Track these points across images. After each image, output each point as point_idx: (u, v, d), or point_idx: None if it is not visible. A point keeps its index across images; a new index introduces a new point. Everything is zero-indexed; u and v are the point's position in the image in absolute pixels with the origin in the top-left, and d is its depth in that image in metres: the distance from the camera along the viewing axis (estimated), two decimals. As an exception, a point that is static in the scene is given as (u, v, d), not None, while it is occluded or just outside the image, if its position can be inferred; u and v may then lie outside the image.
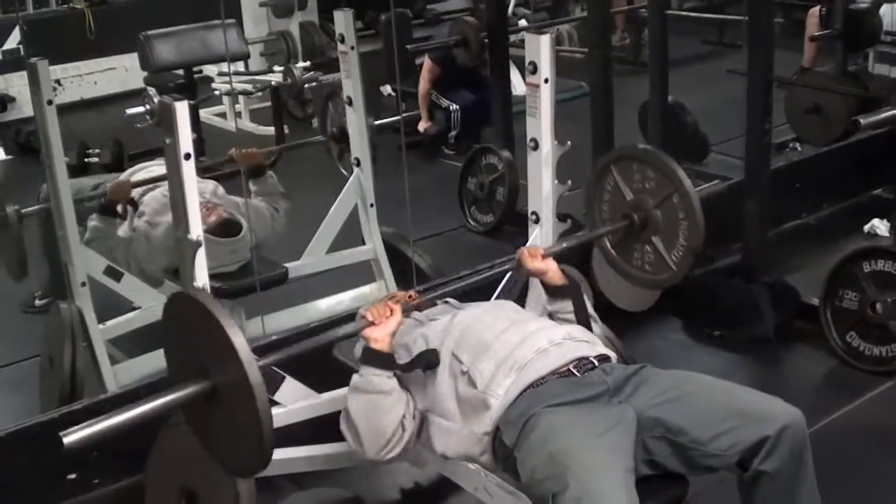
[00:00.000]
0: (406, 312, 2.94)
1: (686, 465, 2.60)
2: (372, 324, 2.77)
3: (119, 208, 4.27)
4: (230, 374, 2.24)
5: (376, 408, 2.73)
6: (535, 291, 3.27)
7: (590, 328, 3.01)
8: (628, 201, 3.27)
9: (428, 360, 2.80)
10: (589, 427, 2.51)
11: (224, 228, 4.14)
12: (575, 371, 2.71)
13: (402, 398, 2.76)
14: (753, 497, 2.55)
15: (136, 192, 4.36)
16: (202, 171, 4.41)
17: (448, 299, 3.19)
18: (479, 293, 3.31)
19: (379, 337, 2.76)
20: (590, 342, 2.87)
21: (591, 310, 3.11)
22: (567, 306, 3.07)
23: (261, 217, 4.42)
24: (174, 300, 2.49)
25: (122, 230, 4.28)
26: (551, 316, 3.09)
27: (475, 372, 2.71)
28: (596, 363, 2.75)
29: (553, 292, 3.09)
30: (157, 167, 4.43)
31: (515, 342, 2.76)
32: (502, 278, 3.43)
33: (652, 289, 4.08)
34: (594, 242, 3.52)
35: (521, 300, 3.34)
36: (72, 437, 2.21)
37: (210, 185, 4.44)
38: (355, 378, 2.78)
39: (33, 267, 4.64)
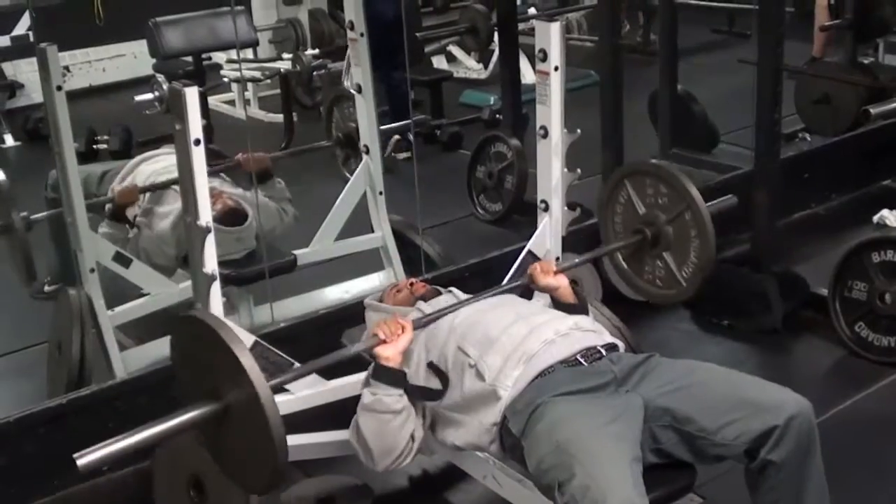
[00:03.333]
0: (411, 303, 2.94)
1: (693, 454, 2.60)
2: (383, 342, 2.76)
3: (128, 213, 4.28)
4: (242, 397, 2.27)
5: (387, 426, 2.73)
6: None
7: None
8: (641, 215, 3.27)
9: (427, 393, 2.82)
10: (595, 416, 2.51)
11: (229, 217, 4.13)
12: (582, 360, 2.71)
13: (412, 414, 2.77)
14: (761, 486, 2.55)
15: (141, 174, 4.37)
16: (212, 158, 4.42)
17: (452, 289, 3.18)
18: (488, 281, 3.31)
19: (390, 355, 2.75)
20: (597, 332, 2.88)
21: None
22: None
23: (268, 211, 4.42)
24: (183, 323, 2.51)
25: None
26: None
27: (483, 365, 2.71)
28: (603, 352, 2.75)
29: (562, 308, 3.08)
30: (163, 154, 4.43)
31: (522, 335, 2.76)
32: (510, 266, 3.43)
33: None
34: (606, 257, 3.51)
35: (529, 289, 3.34)
36: (85, 458, 2.24)
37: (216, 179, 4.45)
38: (366, 396, 2.76)
39: (41, 255, 4.66)
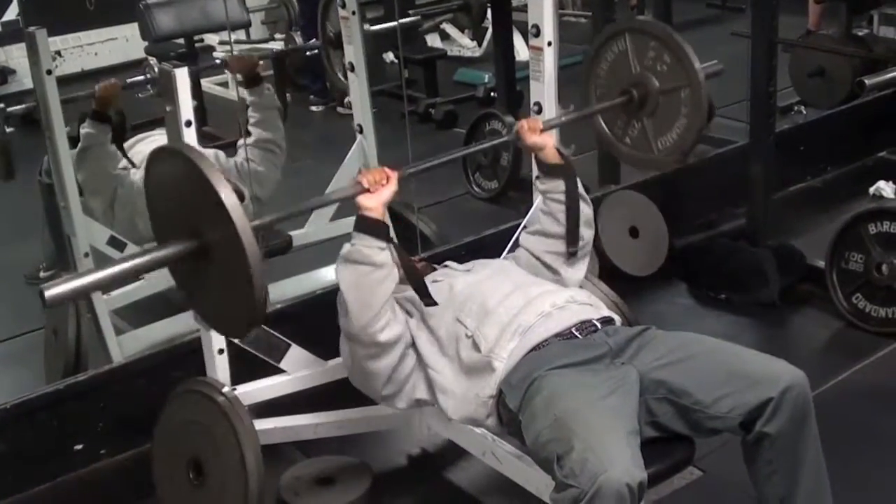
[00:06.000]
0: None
1: (690, 427, 2.59)
2: (367, 191, 2.70)
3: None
4: (221, 232, 2.18)
5: (364, 279, 2.66)
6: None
7: (578, 211, 2.98)
8: (633, 74, 3.16)
9: (422, 288, 2.80)
10: (592, 389, 2.51)
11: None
12: (577, 333, 2.71)
13: (393, 275, 2.71)
14: (757, 459, 2.55)
15: (139, 154, 4.37)
16: (206, 139, 4.40)
17: (448, 262, 3.16)
18: (484, 258, 3.30)
19: (373, 205, 2.69)
20: (593, 305, 2.87)
21: (582, 190, 3.04)
22: (559, 186, 3.00)
23: (261, 179, 4.46)
24: (158, 155, 2.39)
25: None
26: (544, 195, 3.05)
27: (479, 336, 2.71)
28: (598, 325, 2.75)
29: (547, 170, 3.04)
30: (159, 137, 4.42)
31: (519, 306, 2.75)
32: (506, 244, 3.43)
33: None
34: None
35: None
36: (53, 290, 2.15)
37: (211, 153, 4.44)
38: (346, 247, 2.70)
39: (36, 239, 4.65)
